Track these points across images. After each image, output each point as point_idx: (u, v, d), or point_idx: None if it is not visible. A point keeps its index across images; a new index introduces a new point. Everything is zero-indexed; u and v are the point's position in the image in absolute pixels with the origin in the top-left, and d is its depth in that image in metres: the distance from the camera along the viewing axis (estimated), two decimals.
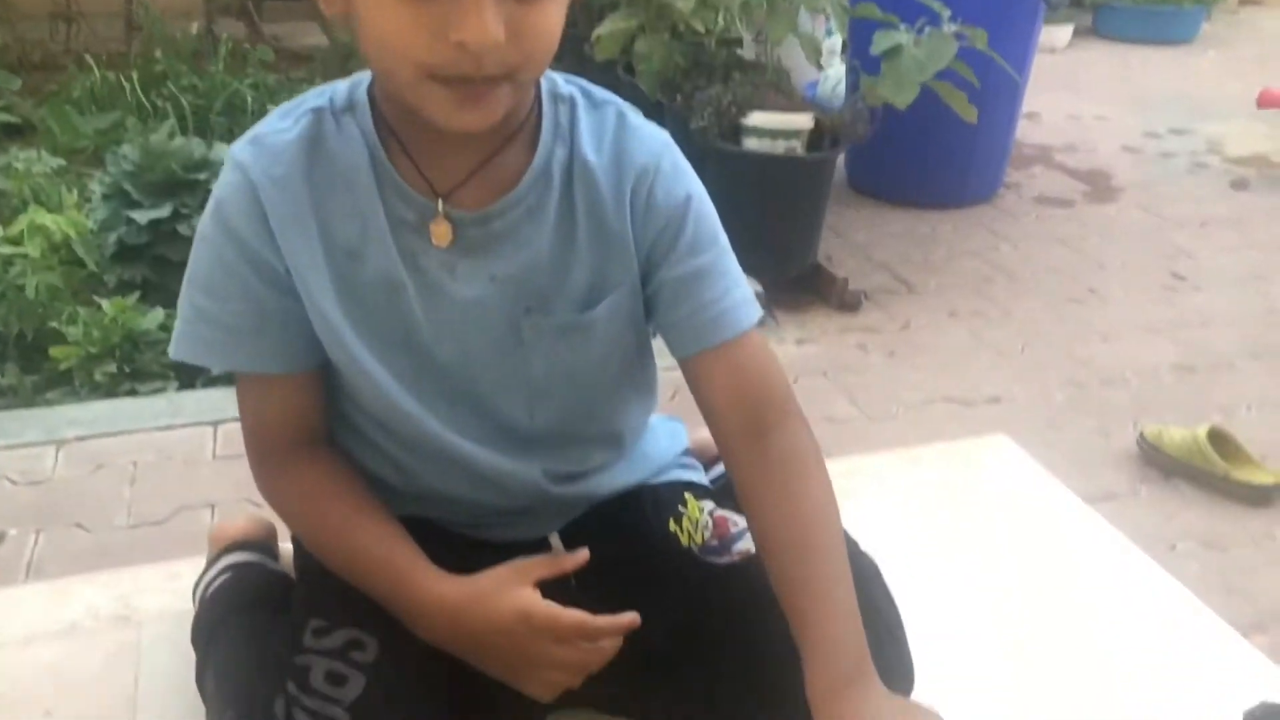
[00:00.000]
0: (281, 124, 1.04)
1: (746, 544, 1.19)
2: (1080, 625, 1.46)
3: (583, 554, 1.09)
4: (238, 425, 2.53)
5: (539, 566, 1.07)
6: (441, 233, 1.03)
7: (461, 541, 1.17)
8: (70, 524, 2.19)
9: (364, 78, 1.06)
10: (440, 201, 1.03)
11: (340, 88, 1.07)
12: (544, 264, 1.07)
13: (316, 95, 1.06)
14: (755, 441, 1.08)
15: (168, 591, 1.50)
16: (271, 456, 1.12)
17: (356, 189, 1.03)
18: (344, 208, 1.03)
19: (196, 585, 1.32)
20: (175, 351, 1.07)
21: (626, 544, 1.16)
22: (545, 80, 1.08)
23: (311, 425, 1.13)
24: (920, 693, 1.18)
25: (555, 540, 1.21)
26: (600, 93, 1.11)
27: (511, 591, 1.03)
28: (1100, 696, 1.28)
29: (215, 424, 2.53)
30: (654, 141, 1.10)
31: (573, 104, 1.09)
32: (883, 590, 1.22)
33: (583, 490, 1.21)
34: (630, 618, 1.05)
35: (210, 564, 1.33)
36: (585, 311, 1.10)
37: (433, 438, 1.10)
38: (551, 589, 1.16)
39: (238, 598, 1.26)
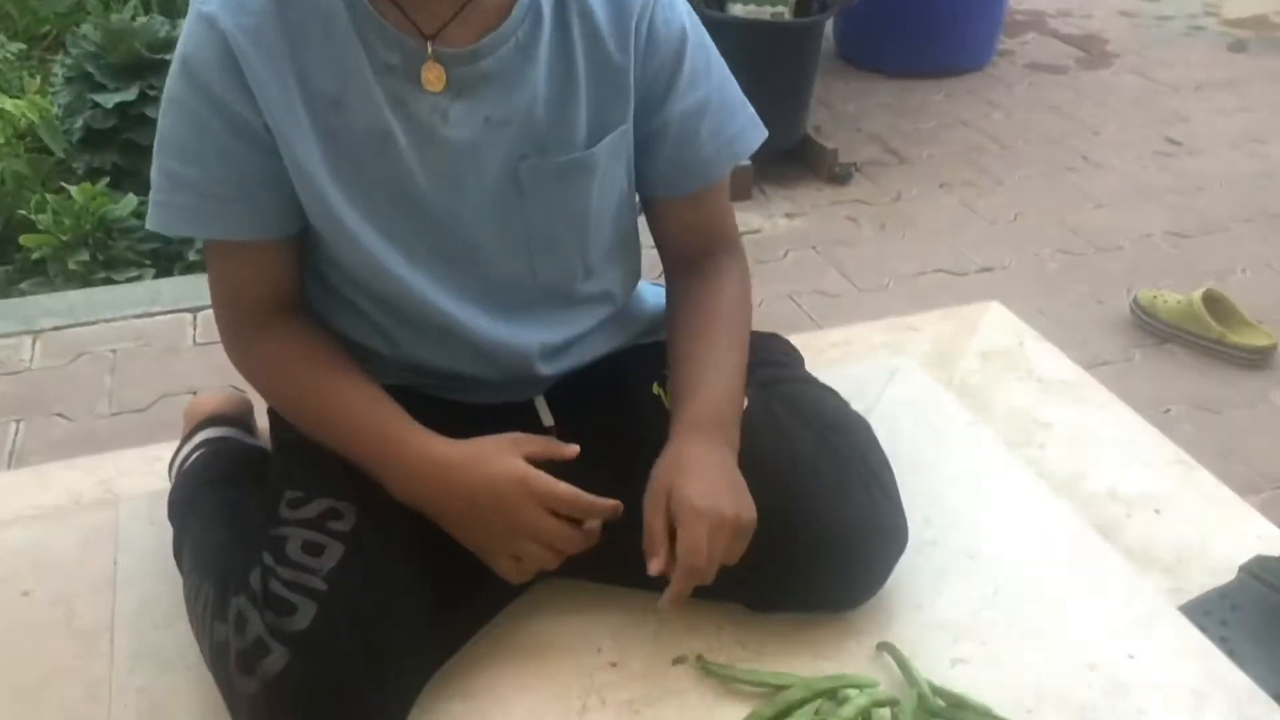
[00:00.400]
0: None
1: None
2: (1075, 486, 1.44)
3: (574, 448, 1.04)
4: None
5: (535, 444, 1.03)
6: (434, 76, 0.98)
7: (445, 407, 1.14)
8: (51, 413, 2.16)
9: None
10: (430, 44, 0.97)
11: None
12: (541, 105, 1.02)
13: None
14: (694, 264, 1.17)
15: (150, 474, 1.48)
16: (246, 325, 1.07)
17: (335, 35, 0.96)
18: (322, 56, 0.96)
19: (172, 461, 1.29)
20: (152, 222, 1.01)
21: (611, 406, 1.13)
22: None
23: (288, 293, 1.07)
24: (912, 558, 1.17)
25: (541, 404, 1.18)
26: None
27: (508, 457, 1.00)
28: (1095, 552, 1.27)
29: (194, 310, 2.48)
30: None
31: None
32: (874, 447, 1.19)
33: (573, 362, 1.17)
34: (617, 504, 1.01)
35: (185, 440, 1.30)
36: (586, 150, 1.06)
37: (424, 303, 1.06)
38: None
39: (213, 472, 1.23)
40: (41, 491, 1.44)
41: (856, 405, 1.32)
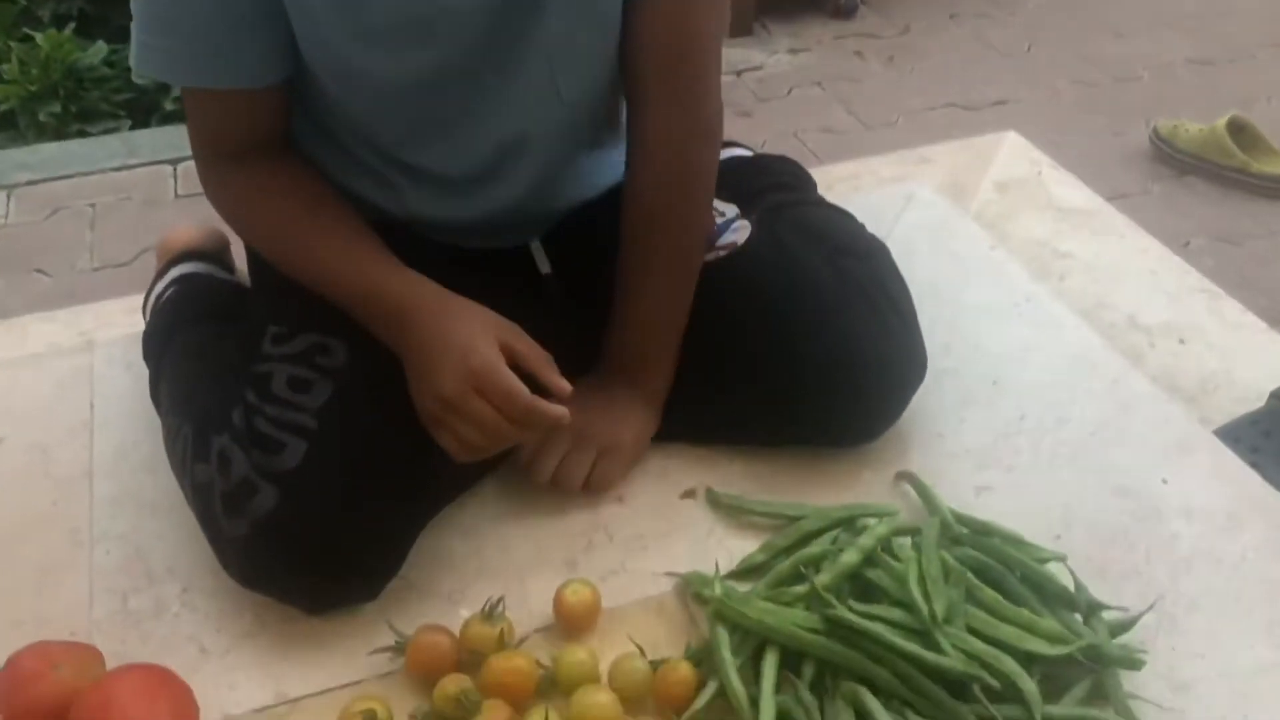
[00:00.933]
0: None
1: (733, 236, 1.08)
2: (1096, 316, 1.38)
3: (566, 385, 0.92)
4: None
5: (520, 344, 0.91)
6: None
7: (439, 249, 1.05)
8: (30, 269, 2.09)
9: None
10: None
11: None
12: None
13: None
14: (661, 89, 0.99)
15: (131, 325, 1.40)
16: (224, 162, 0.98)
17: None
18: None
19: (146, 299, 1.22)
20: (136, 66, 0.91)
21: (609, 245, 1.04)
22: None
23: (270, 133, 0.98)
24: (931, 386, 1.11)
25: (538, 249, 1.10)
26: None
27: (483, 337, 0.89)
28: (1124, 377, 1.21)
29: (174, 162, 2.38)
30: None
31: None
32: (892, 272, 1.12)
33: (576, 197, 1.08)
34: (563, 412, 0.91)
35: (159, 276, 1.22)
36: None
37: (429, 139, 0.97)
38: (532, 298, 1.06)
39: (188, 308, 1.15)
40: (19, 344, 1.38)
41: (873, 231, 1.24)
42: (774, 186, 1.22)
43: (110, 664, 0.86)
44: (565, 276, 1.08)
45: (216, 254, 1.27)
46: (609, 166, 1.11)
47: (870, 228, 1.25)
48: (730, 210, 1.10)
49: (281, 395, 0.92)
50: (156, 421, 1.09)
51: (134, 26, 0.91)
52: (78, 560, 0.99)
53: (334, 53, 0.91)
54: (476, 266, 1.04)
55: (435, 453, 0.91)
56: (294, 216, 0.97)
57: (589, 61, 1.00)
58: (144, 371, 1.15)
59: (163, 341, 1.11)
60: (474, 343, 0.87)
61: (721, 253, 1.07)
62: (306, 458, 0.89)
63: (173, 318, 1.14)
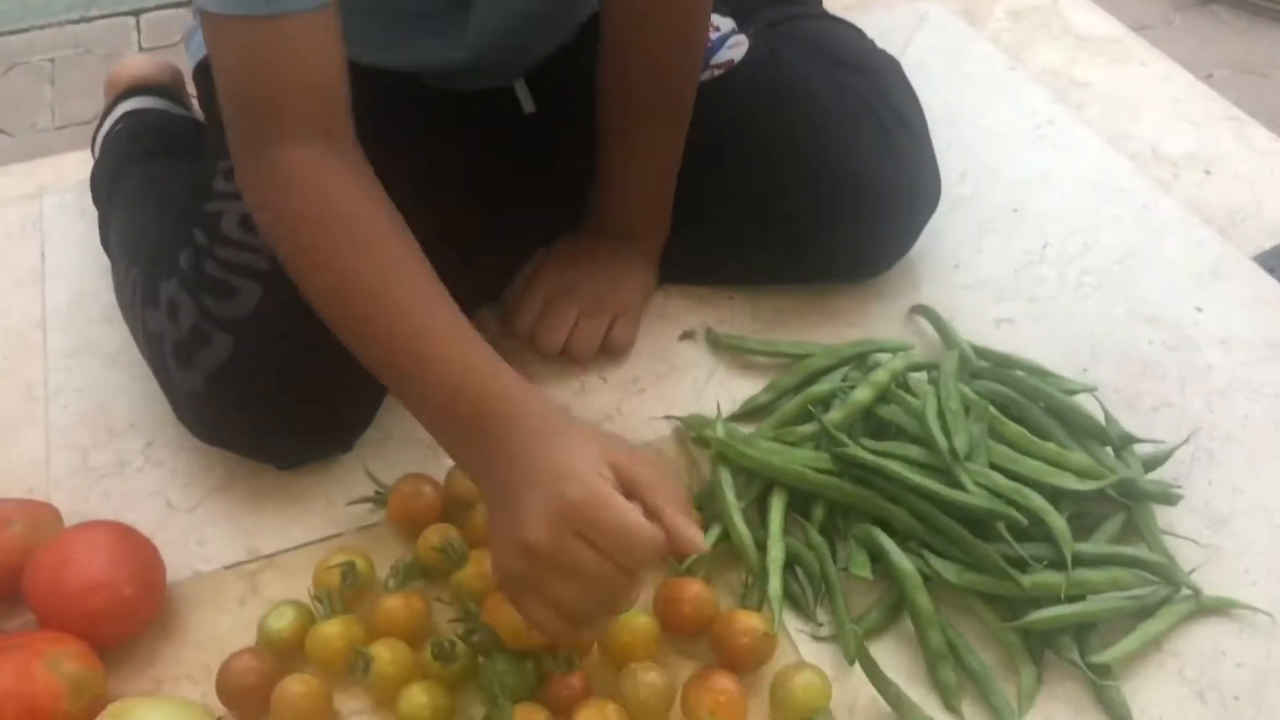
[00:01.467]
0: None
1: (729, 52, 0.99)
2: (1117, 147, 1.30)
3: (700, 539, 0.63)
4: (161, 14, 2.28)
5: (646, 472, 0.64)
6: None
7: (417, 90, 0.95)
8: None
9: None
10: None
11: None
12: None
13: None
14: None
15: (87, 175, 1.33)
16: (272, 148, 0.73)
17: None
18: None
19: (94, 136, 1.12)
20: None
21: (592, 80, 0.93)
22: None
23: (328, 105, 0.74)
24: (946, 215, 1.03)
25: (522, 89, 0.99)
26: None
27: (587, 454, 0.63)
28: (1154, 201, 1.13)
29: (136, 13, 2.25)
30: None
31: None
32: (904, 89, 1.03)
33: (561, 38, 0.98)
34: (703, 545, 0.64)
35: (107, 112, 1.13)
36: None
37: None
38: (513, 141, 0.97)
39: (137, 145, 1.05)
40: None
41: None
42: (774, 1, 1.11)
43: (69, 523, 0.81)
44: (550, 116, 0.98)
45: (169, 87, 1.17)
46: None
47: (880, 42, 1.16)
48: (726, 24, 1.01)
49: (233, 236, 0.83)
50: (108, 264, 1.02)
51: None
52: (33, 415, 0.93)
53: None
54: (456, 108, 0.94)
55: None
56: (360, 267, 0.72)
57: None
58: (94, 215, 1.06)
59: (111, 180, 1.02)
60: (573, 468, 0.63)
61: (717, 71, 0.97)
62: (261, 302, 0.81)
63: (122, 155, 1.04)
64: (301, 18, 0.71)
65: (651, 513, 0.62)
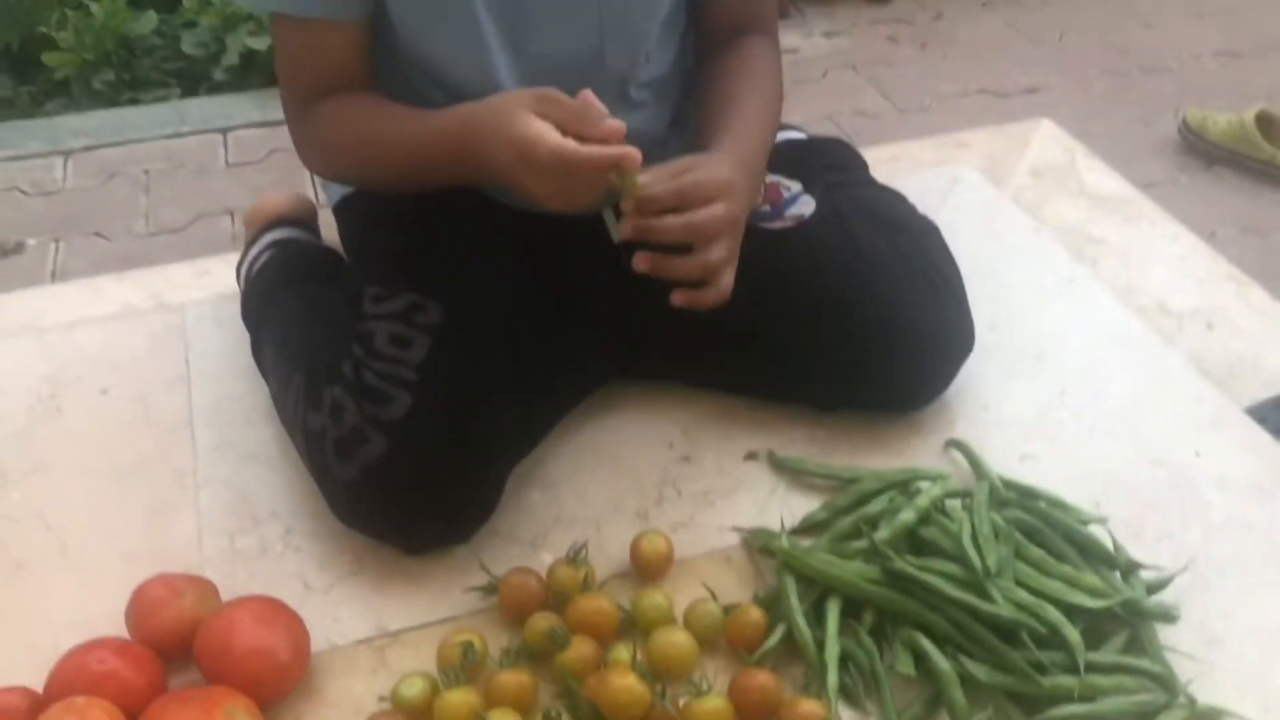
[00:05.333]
0: None
1: (800, 209, 1.15)
2: (1127, 300, 1.43)
3: (616, 126, 0.89)
4: (248, 132, 2.47)
5: (557, 107, 0.89)
6: None
7: (515, 217, 1.12)
8: (89, 232, 2.15)
9: None
10: None
11: None
12: None
13: None
14: (728, 41, 1.11)
15: (199, 287, 1.48)
16: (307, 99, 1.03)
17: None
18: None
19: (240, 265, 1.28)
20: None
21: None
22: None
23: (353, 77, 1.04)
24: (977, 360, 1.17)
25: (609, 216, 1.16)
26: None
27: (520, 115, 0.89)
28: (1160, 355, 1.27)
29: (224, 131, 2.44)
30: None
31: None
32: (943, 250, 1.18)
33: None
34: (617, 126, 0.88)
35: (251, 243, 1.29)
36: None
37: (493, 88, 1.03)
38: (602, 259, 1.12)
39: (287, 272, 1.22)
40: (95, 301, 1.45)
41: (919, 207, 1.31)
42: (830, 166, 1.28)
43: (223, 597, 0.94)
44: (640, 245, 1.14)
45: (306, 220, 1.33)
46: (671, 148, 1.17)
47: (919, 207, 1.32)
48: (795, 186, 1.17)
49: (385, 351, 0.99)
50: (250, 377, 1.17)
51: None
52: (185, 502, 1.07)
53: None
54: (549, 232, 1.09)
55: (529, 394, 1.00)
56: (365, 118, 1.02)
57: (633, 30, 1.06)
58: (234, 329, 1.22)
59: (263, 303, 1.18)
60: (516, 129, 0.88)
61: (790, 223, 1.13)
62: (412, 408, 0.96)
63: (273, 281, 1.21)
64: (335, 22, 0.99)
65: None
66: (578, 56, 1.04)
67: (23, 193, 2.26)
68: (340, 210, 1.17)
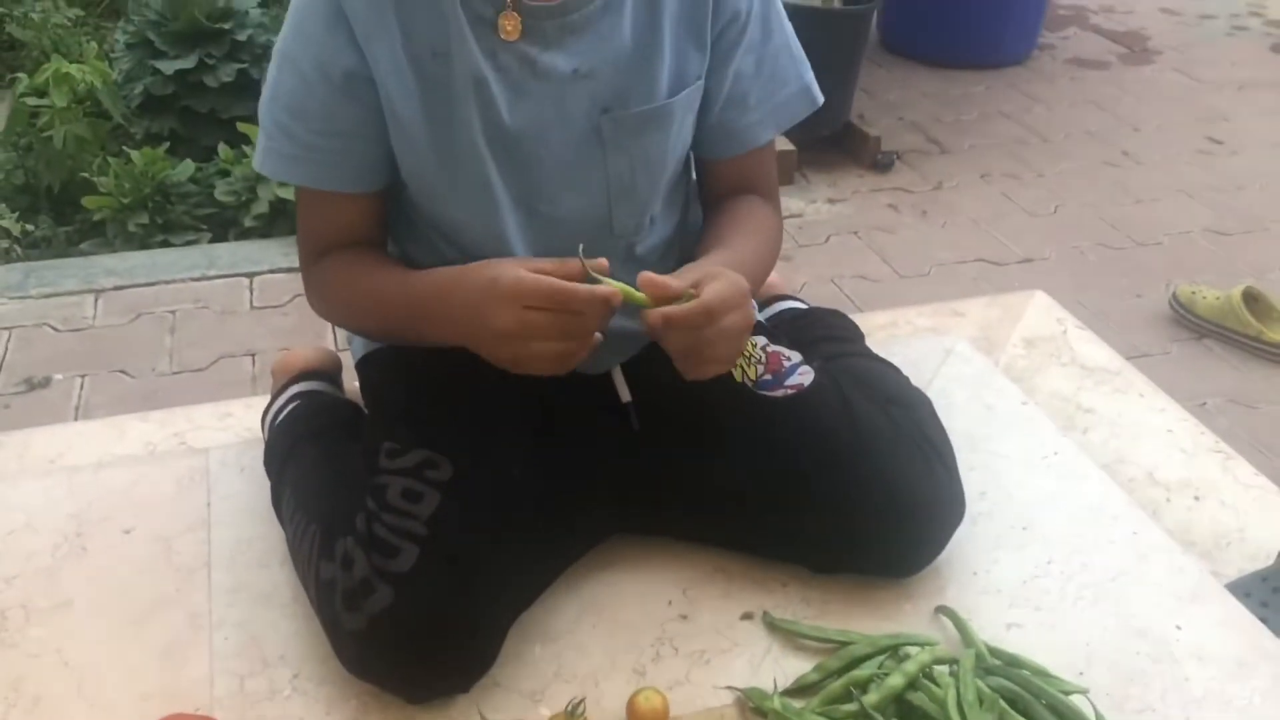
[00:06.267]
0: None
1: (799, 378, 1.21)
2: (1117, 470, 1.48)
3: (601, 262, 0.97)
4: (273, 277, 2.57)
5: (542, 264, 0.96)
6: (510, 26, 1.02)
7: (522, 381, 1.19)
8: (114, 369, 2.23)
9: None
10: None
11: None
12: (626, 58, 1.07)
13: None
14: (731, 198, 1.22)
15: (221, 429, 1.54)
16: (320, 256, 1.13)
17: None
18: (424, 8, 1.02)
19: (265, 414, 1.35)
20: (260, 165, 1.08)
21: (682, 379, 1.17)
22: None
23: (364, 238, 1.14)
24: (968, 528, 1.22)
25: (618, 375, 1.23)
26: None
27: (507, 266, 0.96)
28: (1143, 529, 1.31)
29: (251, 275, 2.55)
30: None
31: None
32: (935, 422, 1.24)
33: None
34: (610, 292, 0.95)
35: (278, 394, 1.36)
36: (665, 101, 1.10)
37: (504, 254, 1.10)
38: (613, 425, 1.18)
39: (310, 424, 1.28)
40: (118, 440, 1.51)
41: (914, 381, 1.37)
42: (828, 338, 1.35)
43: None
44: (646, 407, 1.20)
45: (331, 374, 1.40)
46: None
47: (913, 377, 1.38)
48: (796, 356, 1.24)
49: (396, 505, 1.05)
50: (268, 522, 1.22)
51: (261, 132, 1.08)
52: (199, 643, 1.10)
53: (424, 162, 1.07)
54: (560, 391, 1.16)
55: (533, 549, 1.05)
56: (362, 274, 1.11)
57: (639, 198, 1.14)
58: (255, 475, 1.27)
59: (285, 454, 1.24)
60: (495, 275, 0.95)
61: (790, 391, 1.19)
62: (418, 561, 1.01)
63: (296, 432, 1.27)
64: (351, 194, 1.10)
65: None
66: (587, 221, 1.12)
67: (54, 329, 2.35)
68: (362, 365, 1.24)
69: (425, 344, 1.09)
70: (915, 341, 1.69)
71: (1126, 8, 4.45)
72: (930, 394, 1.35)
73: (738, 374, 1.20)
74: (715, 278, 0.98)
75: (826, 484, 1.14)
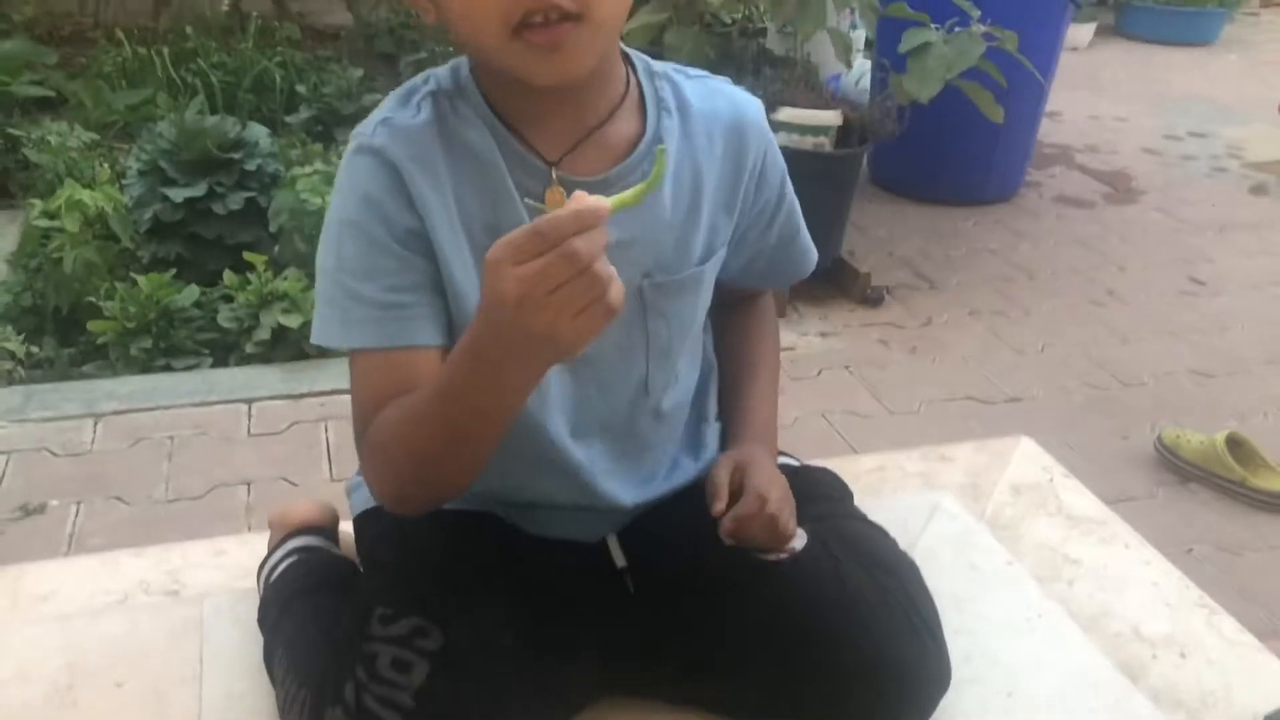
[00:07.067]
0: (405, 110, 1.08)
1: (797, 541, 1.24)
2: (1101, 624, 1.50)
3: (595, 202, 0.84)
4: (271, 404, 2.60)
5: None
6: (556, 199, 1.06)
7: (518, 540, 1.22)
8: (110, 496, 2.24)
9: (460, 62, 1.11)
10: (553, 170, 1.07)
11: (441, 73, 1.11)
12: (665, 227, 1.13)
13: (423, 81, 1.10)
14: (738, 305, 1.35)
15: (215, 567, 1.55)
16: (375, 417, 1.05)
17: (485, 166, 1.07)
18: (476, 185, 1.07)
19: (261, 568, 1.36)
20: (323, 338, 1.07)
21: (680, 543, 1.20)
22: (639, 60, 1.15)
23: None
24: (953, 693, 1.23)
25: (613, 543, 1.26)
26: (689, 68, 1.19)
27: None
28: (1124, 696, 1.33)
29: (249, 401, 2.58)
30: (757, 110, 1.20)
31: (669, 79, 1.15)
32: (923, 591, 1.26)
33: (652, 493, 1.25)
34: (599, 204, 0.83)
35: (275, 548, 1.37)
36: (698, 266, 1.17)
37: (536, 426, 1.12)
38: (607, 591, 1.21)
39: (304, 581, 1.30)
40: (111, 577, 1.52)
41: (900, 538, 1.40)
42: (819, 498, 1.38)
43: None
44: (640, 572, 1.23)
45: (329, 529, 1.43)
46: (682, 470, 1.28)
47: (900, 533, 1.41)
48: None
49: (385, 675, 1.06)
50: (260, 675, 1.23)
51: (321, 305, 1.08)
52: None
53: None
54: (552, 558, 1.18)
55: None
56: (412, 397, 1.02)
57: (673, 359, 1.20)
58: (249, 627, 1.29)
59: (279, 610, 1.25)
60: (488, 259, 0.85)
61: (783, 555, 1.22)
62: None
63: (291, 589, 1.28)
64: (411, 351, 1.06)
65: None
66: (627, 383, 1.18)
67: (52, 453, 2.37)
68: (359, 521, 1.26)
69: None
70: (903, 496, 1.72)
71: (1111, 147, 4.59)
72: (917, 552, 1.37)
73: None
74: (751, 464, 1.16)
75: (816, 651, 1.15)
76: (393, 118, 1.07)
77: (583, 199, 0.82)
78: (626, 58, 1.14)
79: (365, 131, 1.07)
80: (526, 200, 1.05)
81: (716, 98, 1.17)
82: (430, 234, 1.06)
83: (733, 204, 1.18)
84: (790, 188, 1.25)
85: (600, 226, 0.82)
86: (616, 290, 0.84)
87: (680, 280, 1.15)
